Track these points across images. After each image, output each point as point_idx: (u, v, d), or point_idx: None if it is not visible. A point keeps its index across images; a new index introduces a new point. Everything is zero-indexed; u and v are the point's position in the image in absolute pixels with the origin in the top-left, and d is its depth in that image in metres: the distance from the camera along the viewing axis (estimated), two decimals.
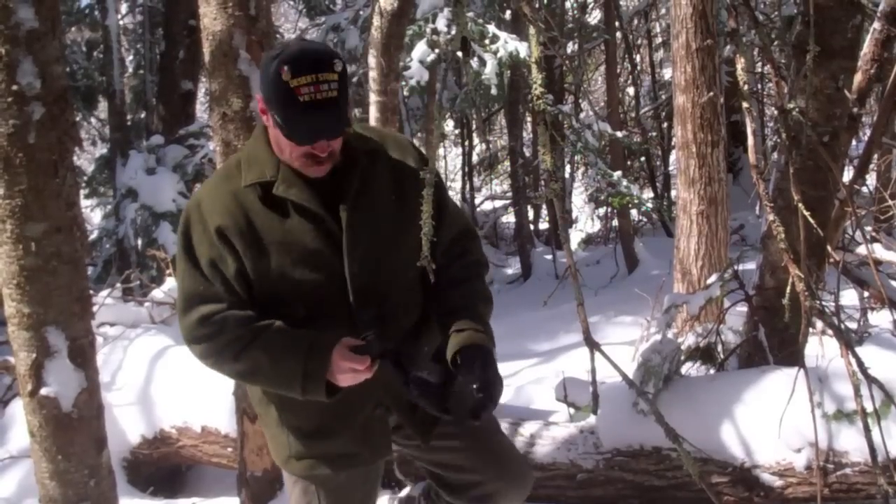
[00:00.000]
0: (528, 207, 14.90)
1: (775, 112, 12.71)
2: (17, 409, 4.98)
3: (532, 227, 15.99)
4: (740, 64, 2.97)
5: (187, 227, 2.28)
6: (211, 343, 2.27)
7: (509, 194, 17.38)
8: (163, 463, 4.86)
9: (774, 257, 3.93)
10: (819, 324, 4.22)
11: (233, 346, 2.24)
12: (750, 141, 3.09)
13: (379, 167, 2.34)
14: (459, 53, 1.50)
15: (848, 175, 4.70)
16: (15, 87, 2.96)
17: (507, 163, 17.41)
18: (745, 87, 2.94)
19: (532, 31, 1.79)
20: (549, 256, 13.01)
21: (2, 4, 2.93)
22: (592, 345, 1.73)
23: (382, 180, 2.33)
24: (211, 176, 2.49)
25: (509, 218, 17.13)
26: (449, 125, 16.71)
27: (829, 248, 4.04)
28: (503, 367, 7.09)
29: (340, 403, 2.28)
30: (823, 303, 3.51)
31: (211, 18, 3.70)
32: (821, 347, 4.29)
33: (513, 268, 13.98)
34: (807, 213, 2.91)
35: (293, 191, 2.22)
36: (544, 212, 17.24)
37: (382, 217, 2.30)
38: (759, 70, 13.91)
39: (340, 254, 2.24)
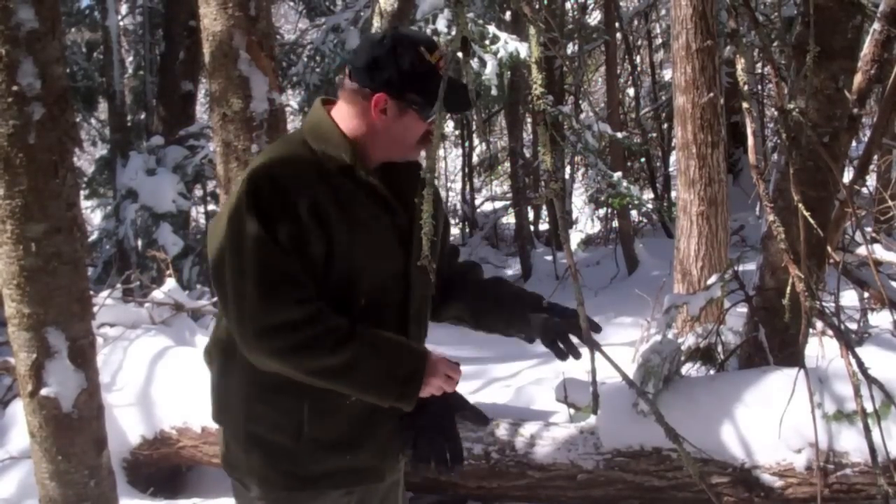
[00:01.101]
0: (528, 208, 14.90)
1: (775, 113, 12.70)
2: (17, 410, 4.98)
3: (532, 227, 16.00)
4: (740, 65, 2.96)
5: (256, 196, 2.07)
6: (303, 332, 2.05)
7: (509, 195, 17.38)
8: (163, 463, 4.85)
9: (774, 258, 3.93)
10: (819, 324, 4.23)
11: (332, 336, 2.06)
12: (750, 141, 3.09)
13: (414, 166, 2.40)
14: (460, 54, 1.50)
15: (848, 176, 4.70)
16: (15, 88, 2.96)
17: (507, 164, 17.41)
18: (746, 87, 2.94)
19: (532, 31, 1.79)
20: (550, 257, 13.01)
21: (2, 5, 2.93)
22: (592, 345, 1.73)
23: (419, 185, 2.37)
24: (266, 149, 2.35)
25: (509, 219, 17.13)
26: (449, 126, 16.72)
27: (829, 248, 4.04)
28: (503, 368, 7.12)
29: (373, 412, 2.22)
30: (824, 303, 3.51)
31: (211, 19, 3.70)
32: (821, 348, 4.30)
33: (513, 269, 13.98)
34: (807, 214, 2.90)
35: (373, 178, 2.21)
36: (544, 213, 17.24)
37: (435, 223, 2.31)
38: (760, 71, 13.92)
39: (405, 248, 2.26)
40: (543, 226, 17.18)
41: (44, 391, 3.18)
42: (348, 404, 2.19)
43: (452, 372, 2.21)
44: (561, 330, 2.37)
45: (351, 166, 2.17)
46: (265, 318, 2.04)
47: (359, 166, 2.18)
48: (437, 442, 2.26)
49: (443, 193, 16.63)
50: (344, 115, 2.22)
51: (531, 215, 16.24)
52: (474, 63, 8.05)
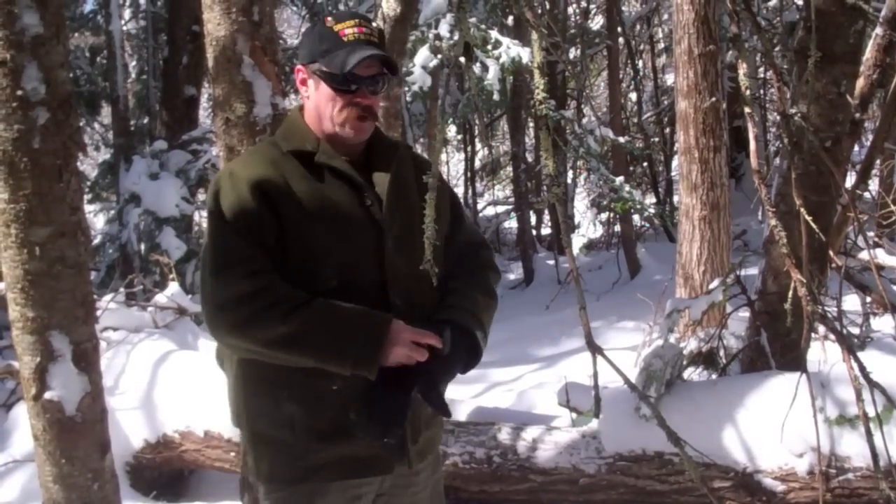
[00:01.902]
0: (531, 213, 14.92)
1: (777, 117, 12.71)
2: (20, 414, 4.99)
3: (534, 232, 16.00)
4: (742, 69, 2.97)
5: (217, 194, 2.19)
6: (255, 303, 2.09)
7: (511, 199, 17.39)
8: (165, 467, 4.86)
9: (776, 262, 3.93)
10: (821, 329, 4.23)
11: (282, 306, 2.09)
12: (752, 146, 3.10)
13: (406, 158, 2.41)
14: (462, 59, 1.51)
15: (850, 180, 4.71)
16: (20, 93, 2.96)
17: (509, 168, 17.43)
18: (748, 92, 2.95)
19: (535, 36, 1.80)
20: (552, 262, 13.02)
21: (7, 9, 2.93)
22: (595, 349, 1.74)
23: (410, 171, 2.38)
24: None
25: (511, 223, 17.14)
26: (451, 130, 16.73)
27: (831, 253, 4.05)
28: (505, 372, 7.12)
29: (363, 398, 2.16)
30: (826, 308, 3.51)
31: (214, 24, 3.71)
32: (823, 352, 4.30)
33: (515, 273, 13.99)
34: (809, 219, 2.91)
35: (336, 161, 2.25)
36: (546, 217, 17.24)
37: (412, 206, 2.28)
38: (762, 75, 13.92)
39: (377, 227, 2.24)
40: (546, 230, 17.19)
41: (47, 395, 3.18)
42: (335, 390, 2.16)
43: (420, 337, 2.14)
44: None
45: (312, 152, 2.24)
46: (218, 295, 2.12)
47: (321, 150, 2.24)
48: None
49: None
50: (306, 108, 2.34)
51: (533, 220, 16.25)
52: (476, 68, 8.06)
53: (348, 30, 2.19)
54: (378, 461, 2.25)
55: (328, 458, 2.21)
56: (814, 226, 2.95)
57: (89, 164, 16.93)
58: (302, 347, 2.11)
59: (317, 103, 2.28)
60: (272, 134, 3.40)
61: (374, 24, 2.25)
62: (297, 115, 2.35)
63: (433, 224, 1.41)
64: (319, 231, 2.17)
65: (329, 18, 2.24)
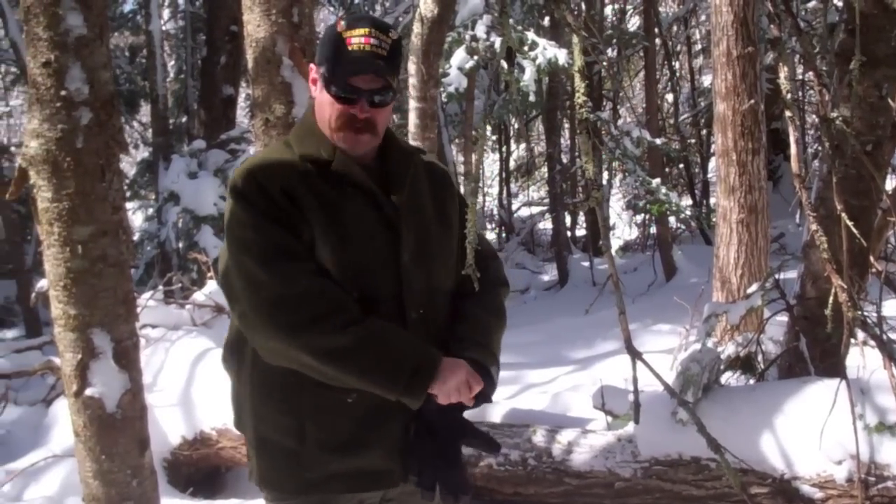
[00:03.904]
0: (566, 214, 14.88)
1: (816, 119, 12.58)
2: (60, 409, 5.06)
3: (569, 233, 15.96)
4: (783, 72, 2.95)
5: (241, 192, 2.09)
6: (314, 306, 2.01)
7: (546, 200, 17.36)
8: (202, 464, 4.90)
9: (816, 267, 3.90)
10: (861, 335, 4.19)
11: (342, 315, 2.02)
12: (793, 150, 3.08)
13: (420, 167, 2.33)
14: (504, 64, 1.51)
15: (891, 184, 4.65)
16: (63, 93, 3.01)
17: (544, 169, 17.40)
18: (788, 96, 2.93)
19: (575, 39, 1.80)
20: (586, 263, 12.97)
21: (51, 11, 2.97)
22: (634, 353, 1.73)
23: (424, 180, 2.31)
24: (251, 156, 2.32)
25: (546, 224, 17.11)
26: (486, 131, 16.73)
27: (871, 258, 4.00)
28: (540, 374, 7.09)
29: (378, 412, 2.13)
30: (866, 313, 3.48)
31: (255, 25, 3.74)
32: (862, 358, 4.25)
33: (549, 274, 13.96)
34: (849, 223, 2.89)
35: (353, 170, 2.16)
36: (581, 218, 17.20)
37: (427, 216, 2.26)
38: (800, 77, 13.80)
39: (395, 239, 2.17)
40: (580, 231, 17.15)
41: (88, 391, 3.22)
42: (350, 403, 2.12)
43: (474, 381, 2.13)
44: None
45: (328, 161, 2.15)
46: (275, 289, 2.01)
47: (338, 159, 2.16)
48: (442, 470, 2.17)
49: (479, 198, 16.59)
50: (315, 108, 2.26)
51: (568, 221, 16.21)
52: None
53: (355, 39, 2.09)
54: (387, 475, 2.21)
55: (338, 469, 2.16)
56: (854, 230, 2.93)
57: (127, 163, 17.11)
58: (352, 363, 2.04)
59: (320, 105, 2.20)
60: None
61: (390, 34, 2.14)
62: (311, 117, 2.25)
63: (474, 229, 1.42)
64: (341, 243, 2.11)
65: (341, 23, 2.13)
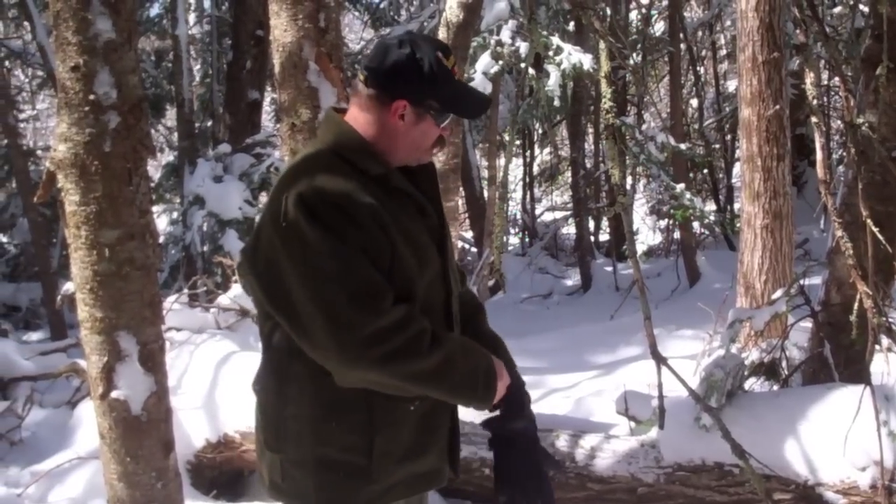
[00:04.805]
0: (589, 219, 14.85)
1: (840, 124, 12.50)
2: (85, 411, 5.10)
3: (592, 238, 15.92)
4: (809, 78, 2.95)
5: (316, 215, 2.02)
6: (400, 337, 2.03)
7: (570, 205, 17.33)
8: (226, 467, 4.92)
9: (841, 273, 3.88)
10: (886, 341, 4.16)
11: (424, 339, 2.05)
12: (819, 156, 3.07)
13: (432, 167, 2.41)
14: (532, 70, 1.52)
15: None
16: (92, 97, 3.03)
17: (568, 173, 17.37)
18: (814, 102, 2.92)
19: (602, 45, 1.81)
20: (610, 268, 12.93)
21: (81, 16, 3.00)
22: (659, 359, 1.74)
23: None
24: (294, 168, 2.20)
25: (569, 229, 17.08)
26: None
27: None
28: (563, 379, 7.09)
29: (432, 416, 2.22)
30: (891, 320, 3.46)
31: (281, 30, 3.76)
32: (887, 365, 4.22)
33: (572, 279, 13.92)
34: (875, 229, 2.88)
35: (408, 186, 2.21)
36: (605, 223, 17.16)
37: (444, 222, 2.36)
38: (826, 83, 13.71)
39: (441, 247, 2.25)
40: (604, 236, 17.10)
41: (114, 394, 3.24)
42: (412, 410, 2.17)
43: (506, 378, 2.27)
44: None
45: (385, 175, 2.16)
46: (365, 327, 1.99)
47: (393, 174, 2.18)
48: (531, 494, 2.29)
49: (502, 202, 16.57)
50: (361, 123, 2.19)
51: (592, 226, 16.17)
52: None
53: (455, 69, 2.19)
54: (438, 474, 2.31)
55: (400, 476, 2.20)
56: (880, 236, 2.92)
57: (153, 166, 17.22)
58: (441, 382, 2.11)
59: (411, 136, 2.18)
60: None
61: None
62: (351, 129, 2.19)
63: (501, 234, 1.43)
64: (411, 256, 2.13)
65: (440, 54, 2.15)
